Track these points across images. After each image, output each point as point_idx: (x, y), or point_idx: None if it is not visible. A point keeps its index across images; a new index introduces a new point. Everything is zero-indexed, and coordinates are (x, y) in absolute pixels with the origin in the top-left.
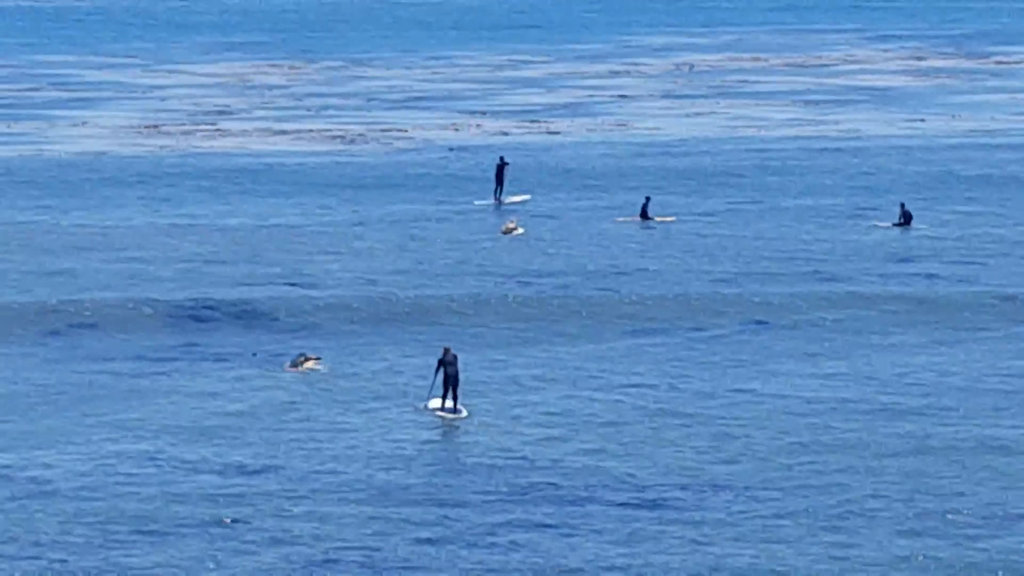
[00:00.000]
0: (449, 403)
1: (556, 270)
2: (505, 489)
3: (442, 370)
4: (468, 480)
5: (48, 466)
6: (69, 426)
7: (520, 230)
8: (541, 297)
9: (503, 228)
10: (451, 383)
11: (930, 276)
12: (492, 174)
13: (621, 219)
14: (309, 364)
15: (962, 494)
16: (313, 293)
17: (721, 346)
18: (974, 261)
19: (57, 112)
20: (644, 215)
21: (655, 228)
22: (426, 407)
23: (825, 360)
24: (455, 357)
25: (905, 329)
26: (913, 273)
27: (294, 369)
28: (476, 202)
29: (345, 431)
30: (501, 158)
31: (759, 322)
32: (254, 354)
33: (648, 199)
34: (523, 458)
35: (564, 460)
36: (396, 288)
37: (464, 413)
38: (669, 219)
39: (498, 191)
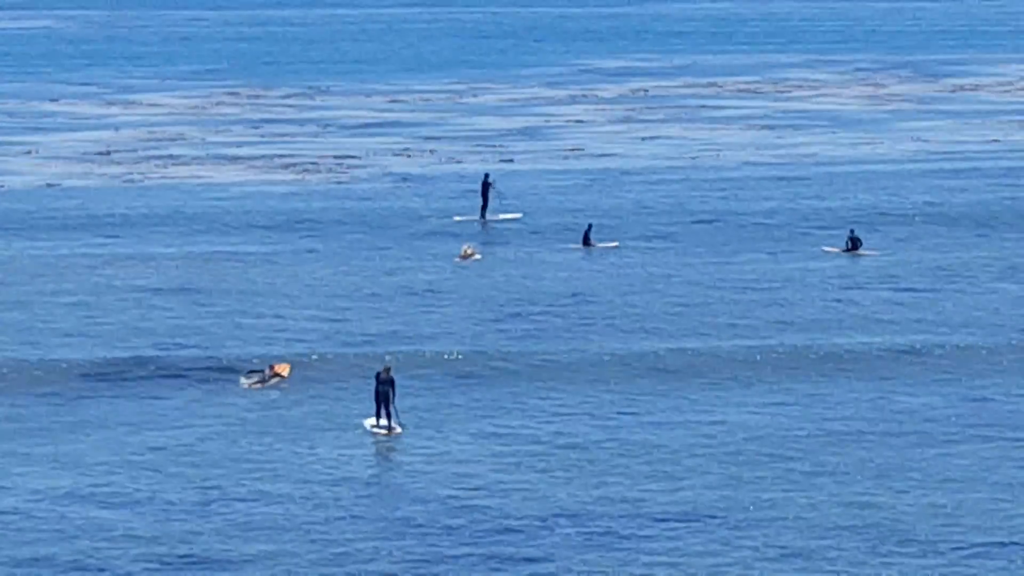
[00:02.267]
0: (384, 421)
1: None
2: (449, 520)
3: (376, 388)
4: (414, 510)
5: None
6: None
7: (478, 256)
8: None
9: (461, 254)
10: (383, 401)
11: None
12: (478, 191)
13: (562, 246)
14: (279, 369)
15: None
16: (258, 322)
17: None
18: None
19: (4, 138)
20: (587, 242)
21: (595, 255)
22: (363, 425)
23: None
24: (391, 377)
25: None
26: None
27: (260, 385)
28: (457, 218)
29: (290, 461)
30: (486, 175)
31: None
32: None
33: (591, 226)
34: (472, 488)
35: (509, 488)
36: (348, 320)
37: (399, 430)
38: (612, 245)
39: (485, 209)
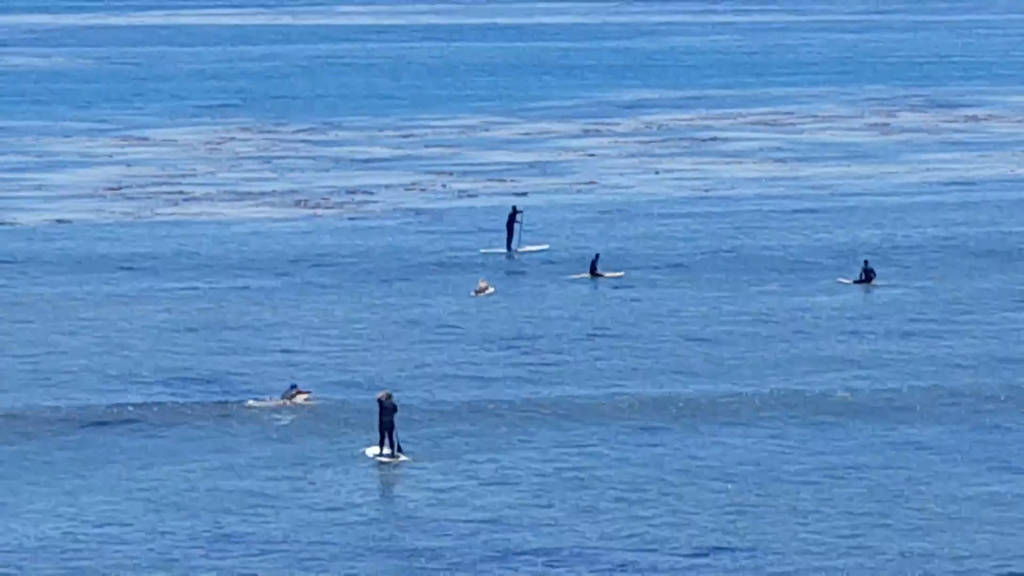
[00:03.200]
0: (387, 449)
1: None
2: (456, 554)
3: (379, 416)
4: (422, 543)
5: None
6: (10, 497)
7: (491, 289)
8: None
9: (475, 289)
10: (386, 429)
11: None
12: (503, 223)
13: (572, 276)
14: (301, 398)
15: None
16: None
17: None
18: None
19: (16, 175)
20: (593, 271)
21: (601, 286)
22: (364, 453)
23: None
24: (393, 404)
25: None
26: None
27: (284, 402)
28: (482, 250)
29: (295, 494)
30: (513, 207)
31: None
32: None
33: (597, 255)
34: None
35: (517, 522)
36: (358, 355)
37: (403, 457)
38: (618, 275)
39: (511, 241)
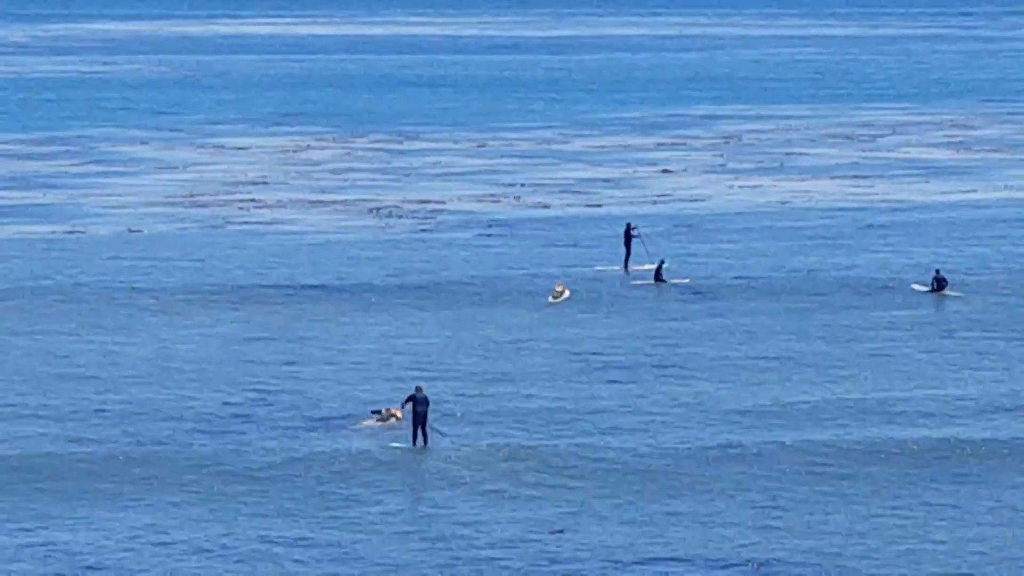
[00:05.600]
0: (420, 441)
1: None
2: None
3: (412, 407)
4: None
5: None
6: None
7: (567, 293)
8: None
9: (552, 294)
10: (420, 421)
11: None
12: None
13: (637, 283)
14: (396, 413)
15: None
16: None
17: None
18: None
19: (91, 182)
20: (658, 278)
21: (676, 299)
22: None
23: None
24: (426, 396)
25: None
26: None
27: (379, 423)
28: (597, 267)
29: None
30: (628, 225)
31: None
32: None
33: (662, 261)
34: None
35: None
36: (427, 367)
37: (429, 442)
38: (684, 281)
39: (628, 258)
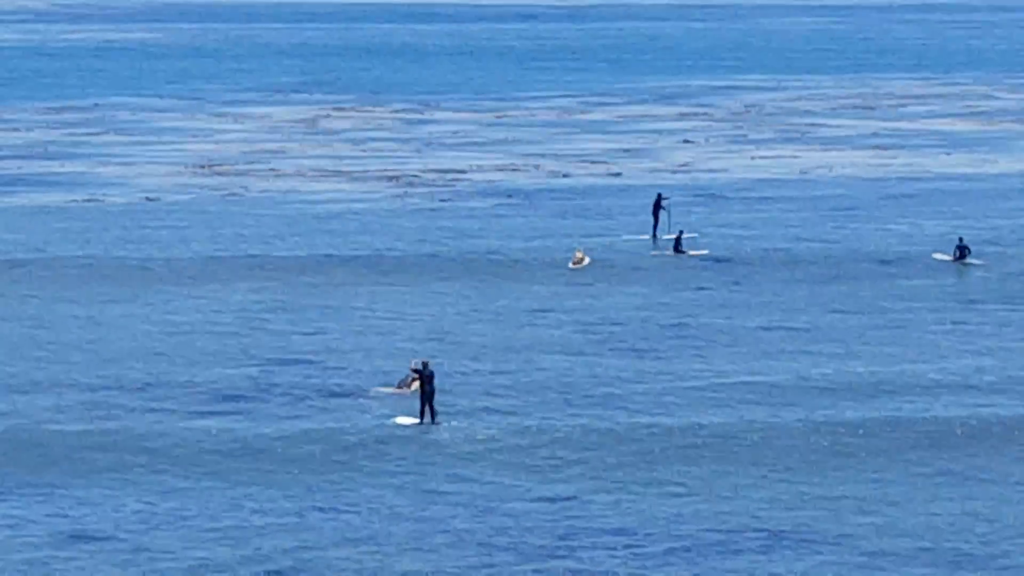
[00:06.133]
0: (427, 418)
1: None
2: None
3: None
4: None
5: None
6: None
7: (587, 260)
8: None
9: (572, 260)
10: (427, 399)
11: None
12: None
13: (655, 252)
14: (415, 385)
15: None
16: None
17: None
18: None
19: (108, 151)
20: (677, 248)
21: (691, 268)
22: (396, 423)
23: None
24: (432, 373)
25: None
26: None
27: (398, 391)
28: (625, 237)
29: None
30: (659, 194)
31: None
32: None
33: (681, 232)
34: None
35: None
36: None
37: (438, 423)
38: (702, 252)
39: (656, 227)
